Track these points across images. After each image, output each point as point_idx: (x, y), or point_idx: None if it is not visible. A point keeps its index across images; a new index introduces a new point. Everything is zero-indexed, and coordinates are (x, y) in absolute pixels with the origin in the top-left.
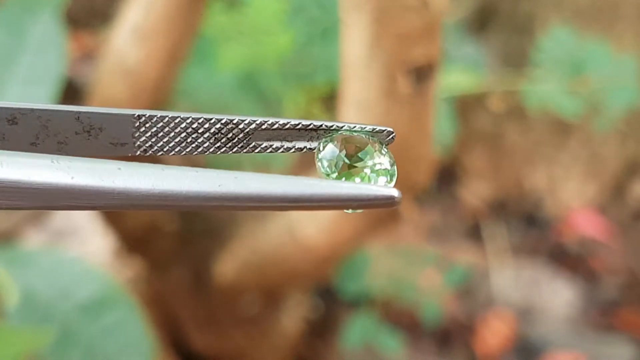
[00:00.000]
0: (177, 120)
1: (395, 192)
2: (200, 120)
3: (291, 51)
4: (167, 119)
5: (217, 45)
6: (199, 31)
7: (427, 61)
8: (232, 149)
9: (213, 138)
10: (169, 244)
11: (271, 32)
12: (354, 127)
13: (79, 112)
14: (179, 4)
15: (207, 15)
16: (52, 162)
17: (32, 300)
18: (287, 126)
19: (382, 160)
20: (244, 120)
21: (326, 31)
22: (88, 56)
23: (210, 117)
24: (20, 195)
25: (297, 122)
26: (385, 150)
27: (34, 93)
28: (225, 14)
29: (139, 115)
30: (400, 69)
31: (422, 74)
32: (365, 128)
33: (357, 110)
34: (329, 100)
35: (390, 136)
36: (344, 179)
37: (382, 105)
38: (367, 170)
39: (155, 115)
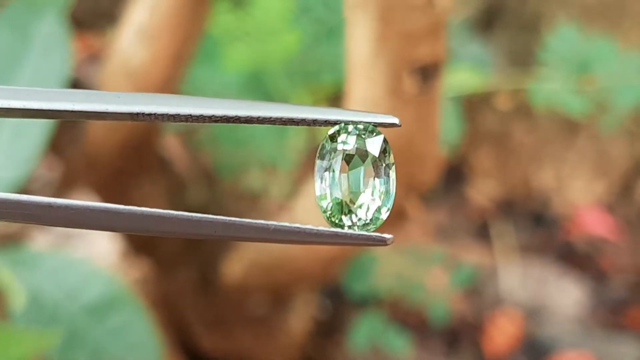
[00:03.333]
0: (175, 116)
1: (387, 236)
2: (199, 116)
3: (297, 51)
4: (165, 115)
5: (223, 45)
6: (205, 31)
7: (433, 60)
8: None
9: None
10: (176, 245)
11: (277, 32)
12: (358, 120)
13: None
14: (184, 4)
15: (212, 15)
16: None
17: (39, 301)
18: (288, 121)
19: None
20: (245, 116)
21: (332, 31)
22: (94, 57)
23: (211, 113)
24: None
25: (301, 117)
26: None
27: None
28: (231, 13)
29: (137, 113)
30: (405, 68)
31: (427, 73)
32: (370, 122)
33: (362, 109)
34: (335, 100)
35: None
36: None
37: (387, 105)
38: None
39: (154, 113)
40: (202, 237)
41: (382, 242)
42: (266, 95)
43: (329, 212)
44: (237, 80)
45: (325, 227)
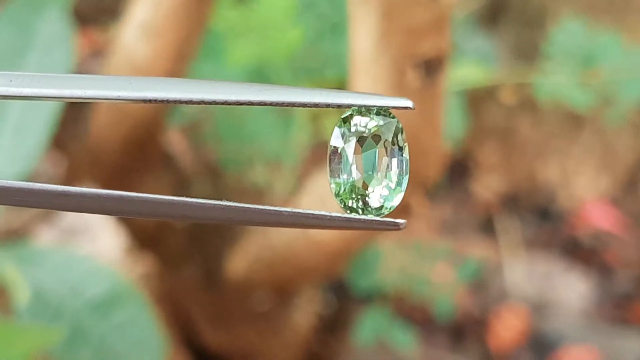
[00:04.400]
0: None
1: (400, 221)
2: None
3: (301, 46)
4: (178, 100)
5: (226, 41)
6: (208, 27)
7: (437, 54)
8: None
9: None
10: (180, 241)
11: (281, 28)
12: (372, 104)
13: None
14: None
15: (215, 10)
16: None
17: (43, 298)
18: (301, 105)
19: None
20: (257, 101)
21: (336, 26)
22: (98, 53)
23: (224, 99)
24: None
25: (314, 102)
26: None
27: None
28: (235, 9)
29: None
30: (409, 62)
31: (431, 67)
32: (382, 106)
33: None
34: None
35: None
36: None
37: None
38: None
39: (167, 99)
40: (217, 222)
41: (395, 226)
42: None
43: (342, 196)
44: (241, 76)
45: (338, 213)
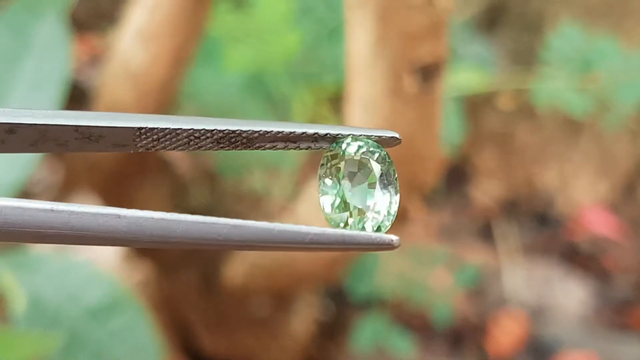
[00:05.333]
0: (178, 131)
1: (393, 237)
2: (201, 131)
3: (299, 52)
4: (168, 129)
5: (224, 46)
6: (205, 32)
7: (433, 60)
8: (235, 149)
9: (215, 142)
10: None
11: (278, 33)
12: (359, 134)
13: (78, 126)
14: (184, 5)
15: (213, 15)
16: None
17: (41, 304)
18: (291, 134)
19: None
20: (247, 131)
21: (334, 31)
22: (97, 58)
23: (212, 128)
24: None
25: (302, 131)
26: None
27: (39, 97)
28: (232, 14)
29: (139, 128)
30: (406, 67)
31: (428, 72)
32: (370, 135)
33: (363, 109)
34: (337, 101)
35: (396, 142)
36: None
37: (388, 105)
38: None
39: (156, 127)
40: (205, 244)
41: (390, 246)
42: (267, 96)
43: (333, 225)
44: (239, 81)
45: (331, 229)
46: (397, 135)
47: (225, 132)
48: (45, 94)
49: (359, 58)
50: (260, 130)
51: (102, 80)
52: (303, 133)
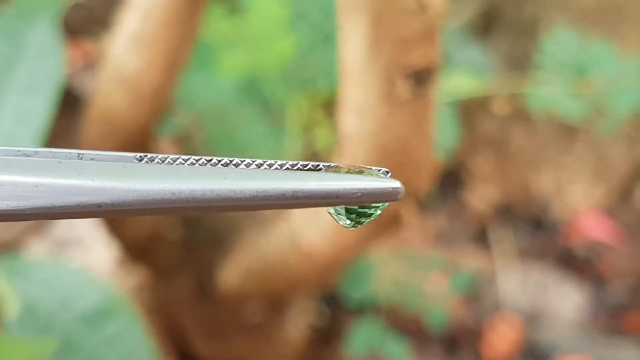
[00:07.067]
0: (177, 161)
1: (397, 184)
2: (200, 162)
3: (293, 57)
4: (168, 159)
5: (218, 52)
6: (199, 37)
7: (427, 65)
8: None
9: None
10: (172, 252)
11: (273, 38)
12: (352, 168)
13: (81, 154)
14: (178, 10)
15: (207, 21)
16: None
17: (34, 310)
18: (285, 167)
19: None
20: (244, 161)
21: (328, 37)
22: (91, 64)
23: (210, 158)
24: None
25: (295, 163)
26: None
27: (32, 102)
28: (226, 19)
29: (140, 156)
30: (399, 72)
31: (421, 77)
32: (362, 171)
33: (356, 115)
34: (332, 106)
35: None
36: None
37: (381, 110)
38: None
39: (157, 156)
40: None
41: (395, 191)
42: (262, 101)
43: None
44: (233, 86)
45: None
46: (387, 170)
47: (223, 163)
48: (38, 99)
49: (352, 63)
50: (256, 162)
51: (95, 85)
52: (296, 164)
